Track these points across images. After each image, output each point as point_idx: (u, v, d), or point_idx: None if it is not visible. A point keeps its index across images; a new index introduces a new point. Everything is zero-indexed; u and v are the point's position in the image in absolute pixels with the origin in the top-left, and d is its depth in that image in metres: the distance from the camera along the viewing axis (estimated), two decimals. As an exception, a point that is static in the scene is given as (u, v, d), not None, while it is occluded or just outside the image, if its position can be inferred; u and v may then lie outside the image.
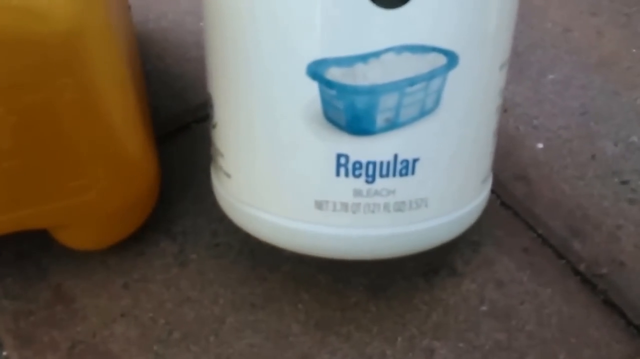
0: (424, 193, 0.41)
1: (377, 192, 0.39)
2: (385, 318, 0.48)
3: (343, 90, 0.36)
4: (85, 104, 0.39)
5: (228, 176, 0.44)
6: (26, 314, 0.48)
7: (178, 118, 0.62)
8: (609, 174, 0.58)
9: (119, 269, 0.50)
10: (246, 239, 0.51)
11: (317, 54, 0.35)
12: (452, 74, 0.37)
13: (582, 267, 0.52)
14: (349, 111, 0.36)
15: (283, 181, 0.40)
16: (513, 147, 0.60)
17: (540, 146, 0.60)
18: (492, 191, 0.55)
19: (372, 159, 0.38)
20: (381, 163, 0.38)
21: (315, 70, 0.35)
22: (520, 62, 0.67)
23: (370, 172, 0.38)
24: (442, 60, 0.36)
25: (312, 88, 0.36)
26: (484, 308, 0.49)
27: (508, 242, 0.53)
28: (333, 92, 0.36)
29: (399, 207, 0.40)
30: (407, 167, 0.39)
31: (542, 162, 0.59)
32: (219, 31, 0.39)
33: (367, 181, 0.39)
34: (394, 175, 0.39)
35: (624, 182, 0.58)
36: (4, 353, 0.46)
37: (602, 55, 0.69)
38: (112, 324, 0.47)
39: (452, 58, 0.36)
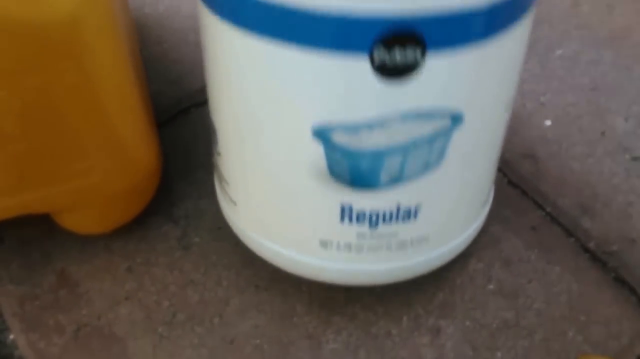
0: (426, 232, 0.44)
1: (380, 235, 0.43)
2: (390, 298, 0.51)
3: (348, 153, 0.38)
4: (86, 87, 0.42)
5: (234, 203, 0.47)
6: (31, 299, 0.51)
7: (177, 103, 0.65)
8: (620, 151, 0.61)
9: (122, 253, 0.54)
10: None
11: (323, 119, 0.38)
12: (457, 132, 0.39)
13: (591, 245, 0.55)
14: (353, 170, 0.39)
15: (288, 221, 0.44)
16: (520, 125, 0.62)
17: (548, 123, 0.63)
18: (499, 170, 0.58)
19: (375, 208, 0.41)
20: (384, 212, 0.42)
21: (320, 133, 0.38)
22: (529, 39, 0.70)
23: (374, 219, 0.42)
24: (447, 121, 0.38)
25: (317, 148, 0.39)
26: (491, 286, 0.52)
27: (515, 221, 0.56)
28: (338, 154, 0.39)
29: (401, 245, 0.44)
30: (409, 214, 0.42)
31: (550, 139, 0.62)
32: (226, 89, 0.41)
33: (370, 227, 0.42)
34: (397, 221, 0.42)
35: (635, 159, 0.60)
36: (11, 337, 0.49)
37: (612, 29, 0.71)
38: (117, 307, 0.51)
39: (457, 119, 0.39)
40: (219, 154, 0.46)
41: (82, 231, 0.51)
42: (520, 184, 0.58)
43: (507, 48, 0.38)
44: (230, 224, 0.50)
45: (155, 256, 0.53)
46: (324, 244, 0.44)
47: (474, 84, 0.38)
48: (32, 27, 0.38)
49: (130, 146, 0.48)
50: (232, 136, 0.42)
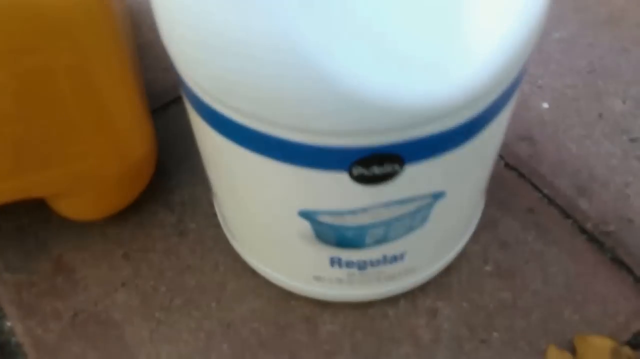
0: (411, 266, 0.47)
1: (368, 274, 0.46)
2: (387, 280, 0.52)
3: (333, 228, 0.41)
4: (83, 69, 0.42)
5: (232, 235, 0.50)
6: (28, 286, 0.52)
7: (172, 90, 0.66)
8: (617, 132, 0.62)
9: (118, 239, 0.54)
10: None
11: (309, 207, 0.39)
12: (439, 202, 0.41)
13: (589, 225, 0.55)
14: (340, 238, 0.42)
15: (283, 261, 0.47)
16: (517, 107, 0.63)
17: (546, 105, 0.64)
18: (495, 151, 0.59)
19: (362, 259, 0.44)
20: (371, 260, 0.44)
21: (307, 215, 0.40)
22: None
23: (362, 264, 0.45)
24: (428, 199, 0.40)
25: (304, 222, 0.41)
26: (487, 268, 0.53)
27: (513, 203, 0.57)
28: (324, 228, 0.41)
29: (389, 277, 0.47)
30: (395, 259, 0.45)
31: (547, 122, 0.62)
32: (224, 174, 0.42)
33: (359, 269, 0.45)
34: (384, 264, 0.45)
35: (633, 140, 0.61)
36: (8, 324, 0.50)
37: (610, 12, 0.72)
38: (114, 293, 0.52)
39: (438, 195, 0.40)
40: (215, 195, 0.48)
41: (77, 218, 0.52)
42: (518, 167, 0.59)
43: (483, 143, 0.39)
44: (230, 242, 0.52)
45: (151, 242, 0.54)
46: (317, 278, 0.47)
47: (453, 174, 0.39)
48: (28, 7, 0.38)
49: (125, 129, 0.48)
50: (229, 198, 0.45)
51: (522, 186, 0.58)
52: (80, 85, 0.42)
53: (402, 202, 0.38)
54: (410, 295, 0.51)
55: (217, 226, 0.55)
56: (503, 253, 0.54)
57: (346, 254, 0.43)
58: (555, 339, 0.50)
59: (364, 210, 0.38)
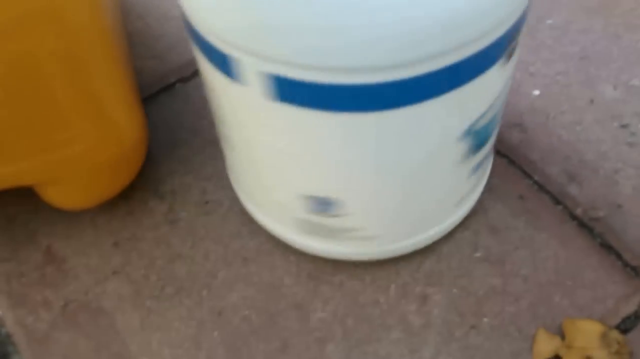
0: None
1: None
2: (377, 267, 0.53)
3: None
4: (68, 53, 0.43)
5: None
6: (18, 276, 0.53)
7: (162, 79, 0.66)
8: (608, 118, 0.62)
9: (108, 228, 0.55)
10: (236, 196, 0.56)
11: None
12: None
13: (579, 211, 0.56)
14: None
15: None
16: (509, 95, 0.64)
17: (537, 92, 0.64)
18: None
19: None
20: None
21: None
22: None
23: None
24: None
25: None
26: (478, 254, 0.54)
27: (503, 189, 0.58)
28: None
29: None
30: None
31: (538, 108, 0.63)
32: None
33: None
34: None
35: (624, 126, 0.62)
36: (-1, 313, 0.51)
37: (601, -3, 0.73)
38: (104, 282, 0.52)
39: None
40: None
41: (67, 206, 0.52)
42: (508, 153, 0.60)
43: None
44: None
45: (141, 231, 0.55)
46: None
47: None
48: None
49: (114, 116, 0.49)
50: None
51: (512, 173, 0.59)
52: (66, 70, 0.42)
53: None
54: (401, 281, 0.52)
55: (208, 214, 0.56)
56: (493, 239, 0.54)
57: None
58: (544, 324, 0.50)
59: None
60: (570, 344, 0.49)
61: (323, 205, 0.45)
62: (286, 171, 0.43)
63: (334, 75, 0.34)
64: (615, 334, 0.50)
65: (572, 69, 0.66)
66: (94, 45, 0.44)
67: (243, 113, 0.40)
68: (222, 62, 0.37)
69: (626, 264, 0.54)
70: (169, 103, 0.64)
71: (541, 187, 0.58)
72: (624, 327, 0.51)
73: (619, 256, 0.54)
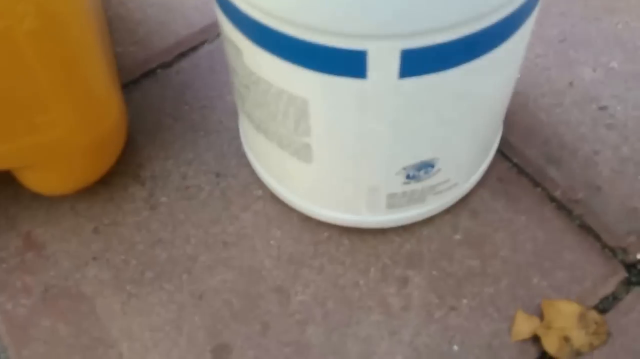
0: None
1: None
2: (358, 250, 0.54)
3: None
4: (47, 35, 0.43)
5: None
6: (-2, 262, 0.53)
7: (143, 64, 0.67)
8: (587, 101, 0.63)
9: (88, 214, 0.56)
10: (216, 181, 0.57)
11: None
12: None
13: (557, 193, 0.57)
14: None
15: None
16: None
17: (517, 75, 0.65)
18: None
19: None
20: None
21: None
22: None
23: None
24: None
25: None
26: (457, 236, 0.55)
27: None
28: None
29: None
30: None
31: (518, 91, 0.64)
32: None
33: None
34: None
35: (602, 108, 0.63)
36: (-22, 299, 0.52)
37: (581, -20, 0.73)
38: (84, 267, 0.53)
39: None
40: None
41: (47, 192, 0.53)
42: (487, 136, 0.60)
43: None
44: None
45: (122, 216, 0.56)
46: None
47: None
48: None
49: (95, 100, 0.50)
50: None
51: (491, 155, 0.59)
52: (44, 52, 0.43)
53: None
54: (381, 264, 0.53)
55: (188, 199, 0.56)
56: (473, 222, 0.55)
57: None
58: (523, 305, 0.51)
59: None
60: (549, 324, 0.50)
61: (424, 168, 0.48)
62: (393, 146, 0.45)
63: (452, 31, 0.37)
64: (593, 315, 0.51)
65: (552, 52, 0.67)
66: (73, 26, 0.44)
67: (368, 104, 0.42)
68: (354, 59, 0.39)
69: (604, 246, 0.55)
70: (150, 89, 0.65)
71: (520, 170, 0.59)
72: (602, 307, 0.52)
73: (597, 237, 0.55)
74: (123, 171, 0.58)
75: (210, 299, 0.51)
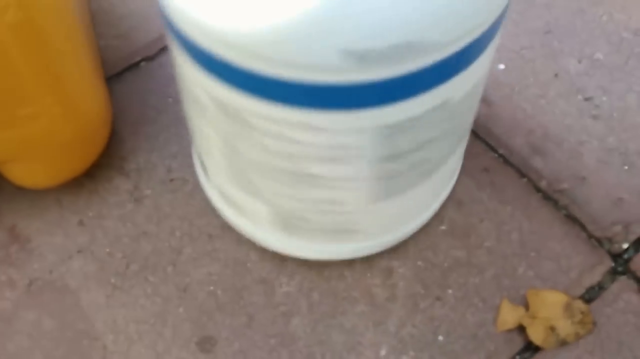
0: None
1: None
2: (343, 241, 0.54)
3: None
4: (29, 28, 0.43)
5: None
6: (-19, 255, 0.54)
7: (127, 58, 0.67)
8: (573, 92, 0.64)
9: (73, 207, 0.56)
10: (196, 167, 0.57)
11: None
12: None
13: (543, 184, 0.58)
14: None
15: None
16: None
17: (502, 66, 0.66)
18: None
19: None
20: None
21: None
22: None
23: None
24: None
25: None
26: (443, 227, 0.55)
27: (468, 163, 0.59)
28: None
29: None
30: None
31: (503, 83, 0.64)
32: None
33: None
34: None
35: (588, 99, 0.63)
36: (-38, 292, 0.52)
37: (566, -29, 0.74)
38: (69, 260, 0.53)
39: None
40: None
41: (31, 185, 0.53)
42: (473, 128, 0.61)
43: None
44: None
45: (107, 209, 0.56)
46: None
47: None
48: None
49: (77, 91, 0.50)
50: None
51: (477, 147, 0.60)
52: (27, 44, 0.43)
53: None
54: (366, 256, 0.53)
55: (173, 191, 0.57)
56: (458, 212, 0.56)
57: None
58: (508, 295, 0.52)
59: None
60: (534, 314, 0.51)
61: None
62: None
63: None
64: (578, 304, 0.51)
65: (537, 43, 0.68)
66: (56, 19, 0.45)
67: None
68: None
69: (590, 236, 0.55)
70: (134, 82, 0.65)
71: (506, 161, 0.59)
72: (588, 297, 0.52)
73: (583, 228, 0.56)
74: (108, 163, 0.58)
75: (195, 291, 0.52)
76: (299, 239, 0.49)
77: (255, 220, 0.49)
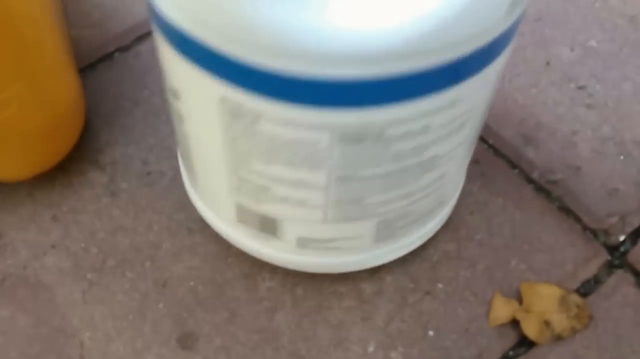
0: None
1: None
2: (329, 235, 0.54)
3: None
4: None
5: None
6: (-49, 251, 0.53)
7: (100, 48, 0.66)
8: (565, 80, 0.64)
9: (46, 201, 0.55)
10: (178, 166, 0.56)
11: None
12: None
13: (535, 175, 0.58)
14: None
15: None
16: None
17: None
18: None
19: None
20: None
21: None
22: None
23: None
24: None
25: None
26: (432, 219, 0.55)
27: (458, 153, 0.59)
28: None
29: None
30: None
31: (493, 71, 0.64)
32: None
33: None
34: None
35: (581, 88, 0.63)
36: None
37: (557, -43, 0.74)
38: (43, 256, 0.53)
39: None
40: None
41: (2, 178, 0.52)
42: (462, 117, 0.61)
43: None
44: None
45: (81, 203, 0.55)
46: None
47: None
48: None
49: (50, 78, 0.49)
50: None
51: (467, 137, 0.60)
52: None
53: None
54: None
55: (150, 185, 0.56)
56: (448, 204, 0.56)
57: None
58: (501, 289, 0.52)
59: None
60: (528, 308, 0.51)
61: None
62: None
63: None
64: (574, 298, 0.51)
65: (528, 31, 0.68)
66: (25, 4, 0.44)
67: None
68: None
69: (585, 228, 0.55)
70: (109, 73, 0.64)
71: (496, 151, 0.59)
72: (584, 291, 0.52)
73: (577, 219, 0.56)
74: (82, 156, 0.58)
75: (174, 286, 0.51)
76: (395, 242, 0.48)
77: (339, 247, 0.48)
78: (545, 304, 0.51)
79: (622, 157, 0.59)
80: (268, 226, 0.46)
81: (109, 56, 0.65)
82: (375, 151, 0.38)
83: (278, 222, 0.45)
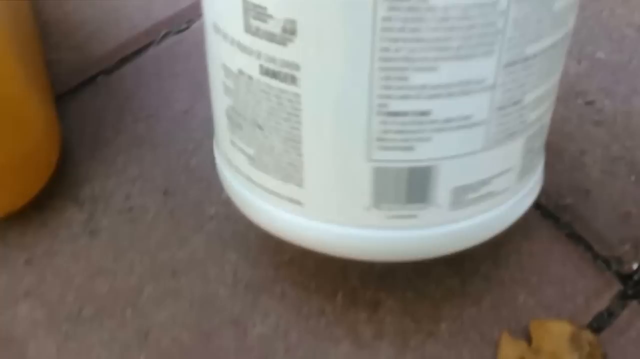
0: None
1: None
2: (323, 272, 0.51)
3: None
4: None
5: None
6: None
7: (82, 71, 0.64)
8: (572, 95, 0.61)
9: (19, 243, 0.53)
10: (163, 200, 0.54)
11: None
12: None
13: (542, 199, 0.55)
14: None
15: None
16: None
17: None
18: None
19: None
20: None
21: None
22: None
23: None
24: None
25: None
26: (433, 252, 0.52)
27: (459, 179, 0.56)
28: None
29: None
30: None
31: (495, 87, 0.61)
32: None
33: None
34: None
35: (589, 103, 0.61)
36: None
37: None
38: (15, 305, 0.50)
39: None
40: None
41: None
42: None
43: None
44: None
45: (57, 244, 0.53)
46: None
47: None
48: None
49: (18, 109, 0.47)
50: None
51: (469, 160, 0.57)
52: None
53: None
54: (349, 287, 0.50)
55: (133, 221, 0.54)
56: (450, 235, 0.52)
57: None
58: (509, 327, 0.49)
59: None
60: (538, 348, 0.48)
61: None
62: None
63: None
64: (586, 335, 0.48)
65: (532, 43, 0.65)
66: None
67: None
68: None
69: (597, 256, 0.52)
70: (90, 98, 0.62)
71: (501, 175, 0.56)
72: (597, 325, 0.49)
73: (588, 247, 0.53)
74: (59, 192, 0.55)
75: (157, 336, 0.48)
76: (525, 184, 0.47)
77: None
78: (556, 344, 0.48)
79: (633, 178, 0.56)
80: (418, 190, 0.41)
81: (91, 80, 0.64)
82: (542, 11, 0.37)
83: (433, 174, 0.41)
